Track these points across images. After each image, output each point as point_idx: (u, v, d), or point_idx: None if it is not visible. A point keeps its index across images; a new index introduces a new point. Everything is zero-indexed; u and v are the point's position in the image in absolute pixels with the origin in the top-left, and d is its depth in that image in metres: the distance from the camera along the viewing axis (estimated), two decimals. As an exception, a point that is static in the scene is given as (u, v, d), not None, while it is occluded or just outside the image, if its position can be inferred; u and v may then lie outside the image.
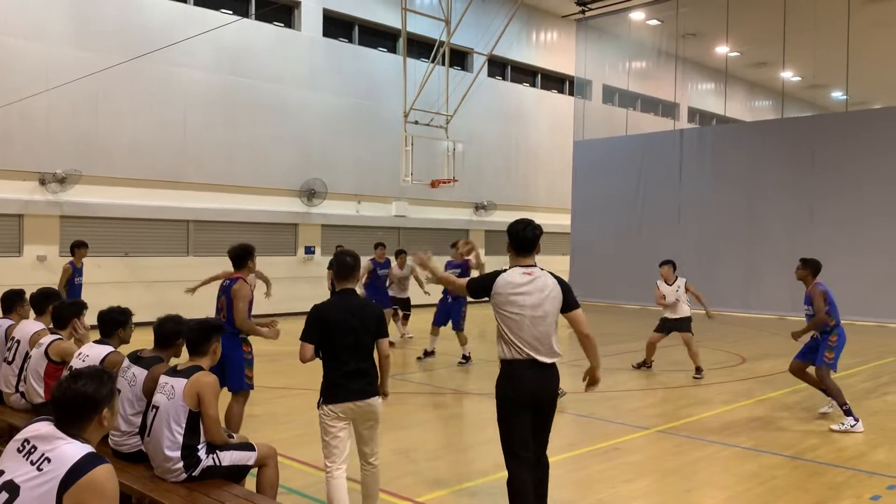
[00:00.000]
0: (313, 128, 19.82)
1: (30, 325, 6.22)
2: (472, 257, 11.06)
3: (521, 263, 4.53)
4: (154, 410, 4.39)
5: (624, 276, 21.51)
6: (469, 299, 11.14)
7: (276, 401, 8.95)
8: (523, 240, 4.53)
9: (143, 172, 16.67)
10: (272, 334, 6.39)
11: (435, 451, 7.06)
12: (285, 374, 10.49)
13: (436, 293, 12.16)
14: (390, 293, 13.47)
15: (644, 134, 24.33)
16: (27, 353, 5.91)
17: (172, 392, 4.33)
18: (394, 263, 13.57)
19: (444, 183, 18.97)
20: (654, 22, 24.89)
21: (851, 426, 7.59)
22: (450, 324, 11.73)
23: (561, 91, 27.52)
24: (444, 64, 18.93)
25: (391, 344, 5.78)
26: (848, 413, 7.69)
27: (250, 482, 4.64)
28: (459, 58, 22.75)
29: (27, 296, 6.76)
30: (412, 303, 14.30)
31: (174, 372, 4.46)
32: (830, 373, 7.99)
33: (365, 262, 11.75)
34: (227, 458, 4.43)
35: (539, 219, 4.85)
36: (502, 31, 19.51)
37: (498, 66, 24.94)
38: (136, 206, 16.56)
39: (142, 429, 4.61)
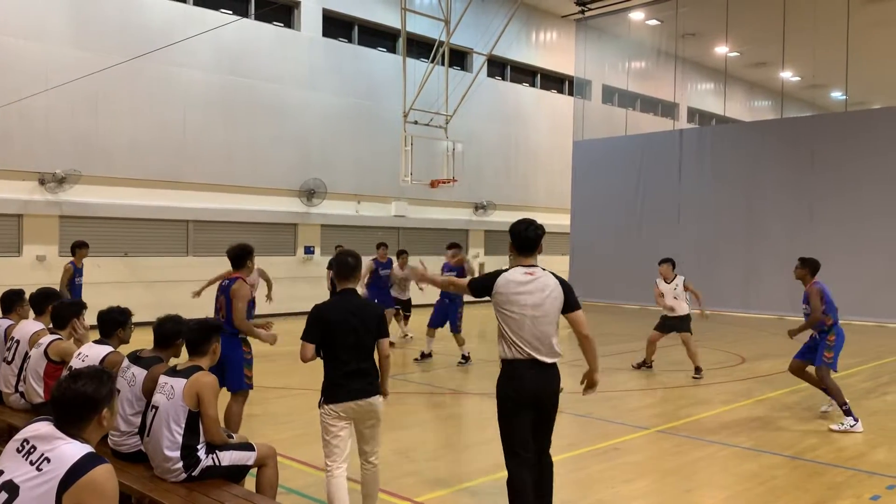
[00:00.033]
0: (313, 128, 19.82)
1: (29, 325, 6.22)
2: (465, 265, 11.44)
3: (523, 263, 4.54)
4: (153, 410, 4.38)
5: (623, 276, 21.50)
6: (465, 300, 11.25)
7: (276, 401, 8.95)
8: (525, 240, 4.53)
9: (142, 172, 16.66)
10: (269, 339, 6.39)
11: (435, 451, 7.06)
12: (285, 374, 10.48)
13: (434, 293, 12.15)
14: (392, 294, 13.48)
15: (643, 134, 24.34)
16: (27, 353, 5.90)
17: (172, 392, 4.33)
18: (395, 264, 13.56)
19: (444, 183, 18.97)
20: (653, 22, 24.90)
21: (851, 426, 7.59)
22: (447, 325, 11.75)
23: (560, 91, 27.52)
24: (443, 64, 18.93)
25: (391, 344, 5.79)
26: (847, 413, 7.69)
27: (250, 482, 4.64)
28: (459, 58, 22.75)
29: (27, 296, 6.76)
30: (413, 303, 14.30)
31: (174, 372, 4.46)
32: (830, 372, 7.99)
33: (367, 262, 11.76)
34: (227, 458, 4.43)
35: (539, 219, 4.86)
36: (502, 31, 19.50)
37: (497, 66, 24.94)
38: (136, 206, 16.55)
39: (141, 429, 4.61)
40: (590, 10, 23.89)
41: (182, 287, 15.57)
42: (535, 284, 4.43)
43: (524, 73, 26.39)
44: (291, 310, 15.11)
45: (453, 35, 18.81)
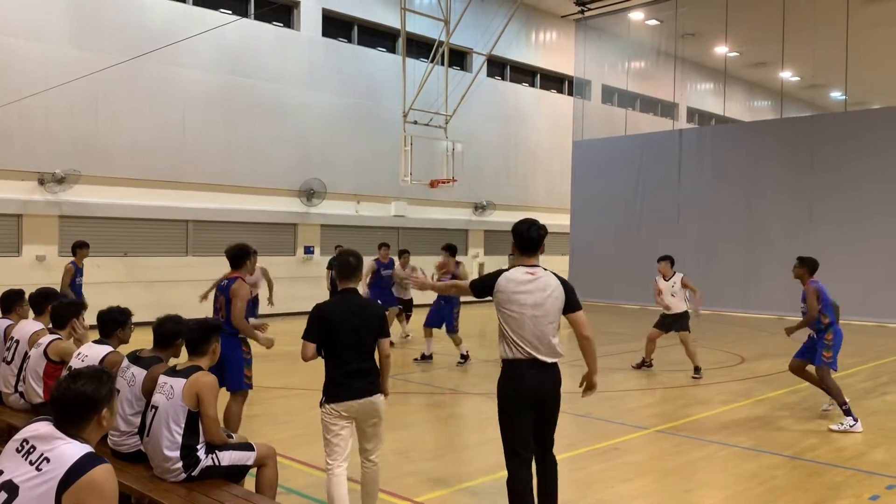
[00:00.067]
0: (312, 128, 19.81)
1: (29, 325, 6.22)
2: (458, 270, 11.52)
3: (525, 263, 4.54)
4: (153, 410, 4.39)
5: (623, 276, 21.50)
6: (463, 300, 11.25)
7: (276, 401, 8.95)
8: (528, 240, 4.53)
9: (142, 172, 16.66)
10: (266, 343, 6.40)
11: (434, 451, 7.07)
12: (284, 374, 10.48)
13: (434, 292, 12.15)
14: (394, 293, 13.49)
15: (643, 134, 24.33)
16: (26, 353, 5.90)
17: (171, 392, 4.33)
18: (397, 264, 13.57)
19: (444, 183, 18.97)
20: (653, 22, 24.90)
21: (850, 426, 7.60)
22: (444, 326, 11.76)
23: (560, 91, 27.52)
24: (443, 64, 18.93)
25: (391, 344, 5.79)
26: (847, 413, 7.69)
27: (249, 482, 4.64)
28: (459, 58, 22.75)
29: (26, 296, 6.76)
30: (415, 303, 14.30)
31: (173, 372, 4.46)
32: (830, 372, 7.99)
33: (368, 262, 11.77)
34: (227, 458, 4.43)
35: (538, 219, 4.85)
36: (501, 31, 19.50)
37: (497, 66, 24.94)
38: (136, 206, 16.55)
39: (141, 429, 4.61)
40: (589, 10, 23.89)
41: (182, 287, 15.58)
42: (536, 284, 4.43)
43: (524, 73, 26.39)
44: (291, 310, 15.11)
45: (453, 35, 18.80)
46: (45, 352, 5.67)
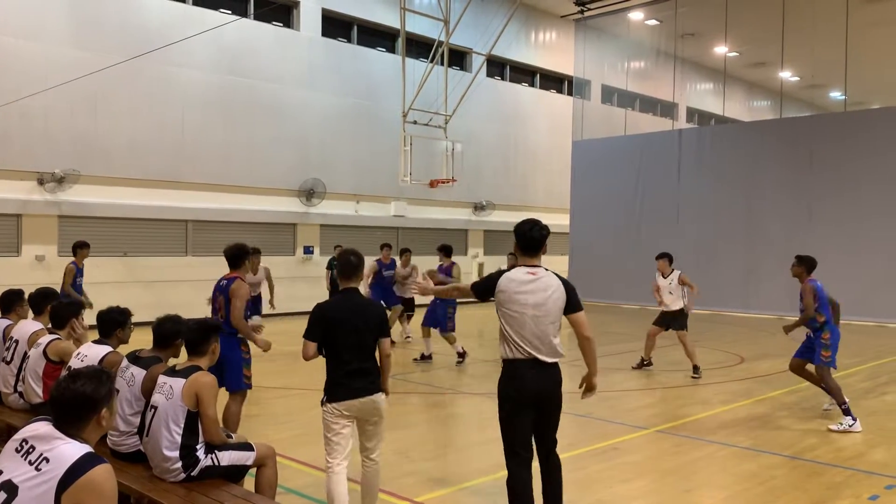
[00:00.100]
0: (312, 128, 19.81)
1: (28, 325, 6.22)
2: (452, 271, 11.63)
3: (527, 263, 4.54)
4: (152, 410, 4.38)
5: (623, 276, 21.51)
6: (459, 301, 11.25)
7: (275, 401, 8.95)
8: (531, 240, 4.53)
9: (141, 172, 16.65)
10: (263, 346, 6.42)
11: (434, 451, 7.07)
12: (284, 374, 10.49)
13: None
14: (396, 293, 13.50)
15: (643, 134, 24.34)
16: (25, 353, 5.90)
17: (171, 392, 4.33)
18: (398, 264, 13.56)
19: (443, 183, 18.98)
20: (652, 22, 24.90)
21: (850, 426, 7.60)
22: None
23: (559, 91, 27.53)
24: (442, 64, 18.93)
25: (392, 342, 5.80)
26: (846, 412, 7.70)
27: (249, 482, 4.64)
28: (458, 58, 22.75)
29: (26, 296, 6.75)
30: (415, 303, 14.29)
31: (173, 372, 4.46)
32: (830, 371, 8.00)
33: (370, 263, 11.77)
34: (226, 458, 4.43)
35: (538, 219, 4.86)
36: (501, 30, 19.51)
37: (497, 66, 24.95)
38: (135, 206, 16.55)
39: (140, 429, 4.61)
40: (589, 10, 23.89)
41: (181, 287, 15.58)
42: (537, 284, 4.43)
43: (523, 73, 26.39)
44: (290, 310, 15.11)
45: (452, 35, 18.81)
46: (44, 352, 5.66)
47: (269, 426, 7.59)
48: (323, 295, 15.07)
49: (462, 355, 11.68)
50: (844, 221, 18.43)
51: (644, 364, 11.33)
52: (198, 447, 4.35)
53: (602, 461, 6.55)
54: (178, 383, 4.34)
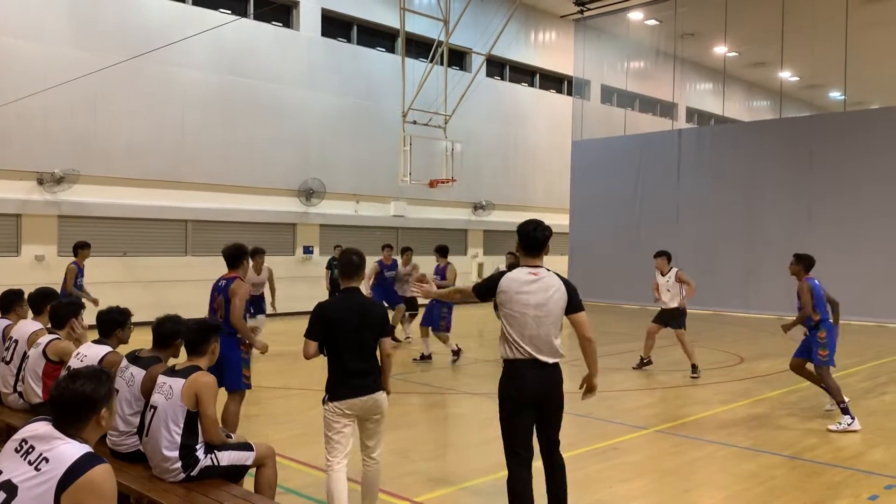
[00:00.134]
0: (312, 128, 19.81)
1: (28, 325, 6.22)
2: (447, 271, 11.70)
3: (529, 264, 4.55)
4: (152, 410, 4.38)
5: (622, 276, 21.51)
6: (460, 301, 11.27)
7: (275, 401, 8.95)
8: (533, 240, 4.54)
9: (141, 172, 16.65)
10: (261, 348, 6.43)
11: (434, 451, 7.07)
12: (284, 374, 10.48)
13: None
14: (397, 292, 13.51)
15: (642, 134, 24.34)
16: (25, 353, 5.90)
17: (170, 392, 4.33)
18: (399, 264, 13.56)
19: (443, 183, 18.98)
20: (652, 22, 24.90)
21: (848, 425, 7.60)
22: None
23: (559, 91, 27.53)
24: (442, 64, 18.93)
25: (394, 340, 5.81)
26: (845, 412, 7.70)
27: (248, 482, 4.64)
28: (458, 58, 22.75)
29: (25, 296, 6.75)
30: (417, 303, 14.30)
31: (172, 372, 4.46)
32: (830, 370, 8.00)
33: (371, 263, 11.79)
34: (226, 457, 4.43)
35: (541, 219, 4.87)
36: (501, 30, 19.51)
37: (496, 66, 24.95)
38: (135, 206, 16.54)
39: (140, 429, 4.61)
40: (589, 10, 23.89)
41: (181, 287, 15.57)
42: (539, 284, 4.44)
43: (523, 73, 26.39)
44: (290, 310, 15.09)
45: (452, 35, 18.82)
46: (43, 352, 5.66)
47: (268, 426, 7.60)
48: (322, 295, 15.06)
49: (456, 352, 11.70)
50: (844, 221, 18.43)
51: (644, 363, 11.33)
52: (197, 447, 4.35)
53: (602, 461, 6.55)
54: (178, 383, 4.34)
